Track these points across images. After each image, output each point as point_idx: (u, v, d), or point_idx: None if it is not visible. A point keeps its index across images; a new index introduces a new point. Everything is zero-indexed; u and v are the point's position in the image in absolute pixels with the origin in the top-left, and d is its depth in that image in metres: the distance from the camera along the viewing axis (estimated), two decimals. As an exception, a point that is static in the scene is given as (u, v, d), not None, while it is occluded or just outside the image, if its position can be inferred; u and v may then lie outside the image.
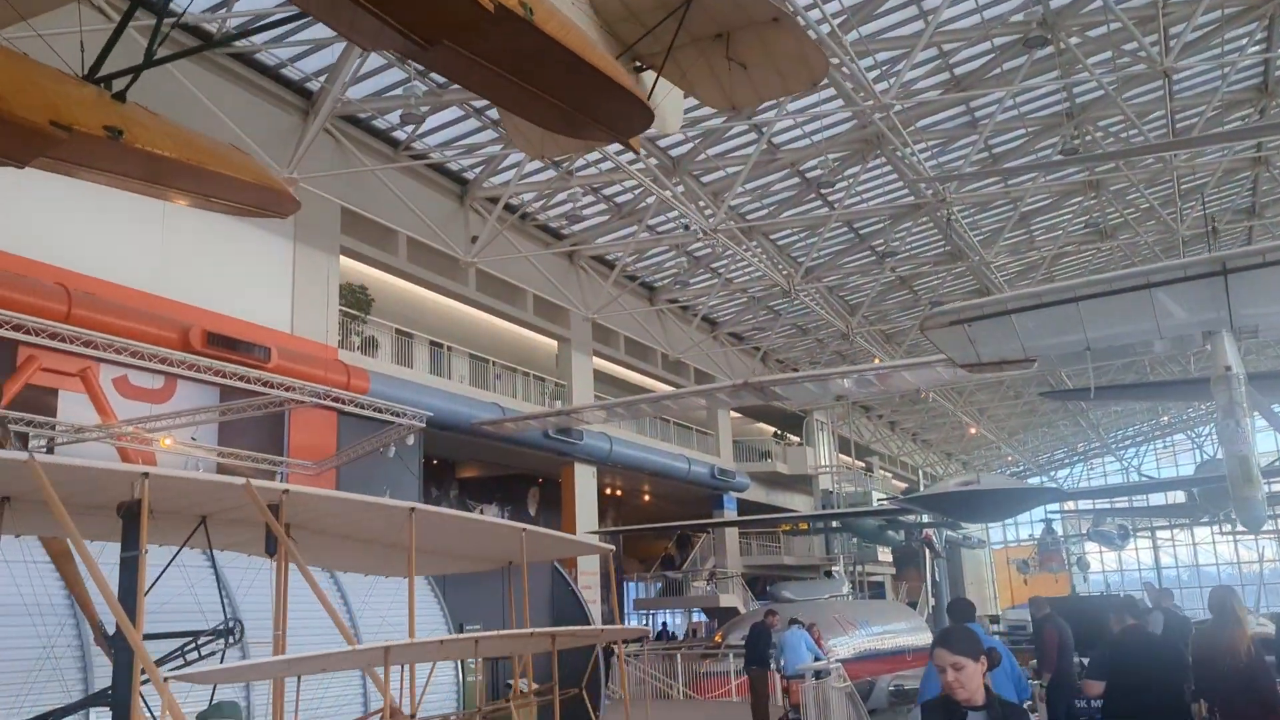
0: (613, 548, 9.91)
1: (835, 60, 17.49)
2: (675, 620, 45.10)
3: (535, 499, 33.23)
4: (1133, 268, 9.62)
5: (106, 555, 7.15)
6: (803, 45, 6.40)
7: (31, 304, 13.89)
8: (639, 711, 20.54)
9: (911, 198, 28.01)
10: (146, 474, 5.04)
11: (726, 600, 33.54)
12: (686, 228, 22.77)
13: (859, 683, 17.36)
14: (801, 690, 12.81)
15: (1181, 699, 6.68)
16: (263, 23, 16.17)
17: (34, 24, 6.05)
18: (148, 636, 6.38)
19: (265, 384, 15.74)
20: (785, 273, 28.57)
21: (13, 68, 4.97)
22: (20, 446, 8.10)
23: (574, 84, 5.39)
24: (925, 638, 27.53)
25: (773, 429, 42.71)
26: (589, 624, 17.01)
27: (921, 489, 34.14)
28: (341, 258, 21.51)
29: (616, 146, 23.26)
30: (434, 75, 18.52)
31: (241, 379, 15.07)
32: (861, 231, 31.34)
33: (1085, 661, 9.36)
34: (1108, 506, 54.00)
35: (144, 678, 5.12)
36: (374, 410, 15.60)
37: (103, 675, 7.69)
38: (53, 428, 13.90)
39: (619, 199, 27.35)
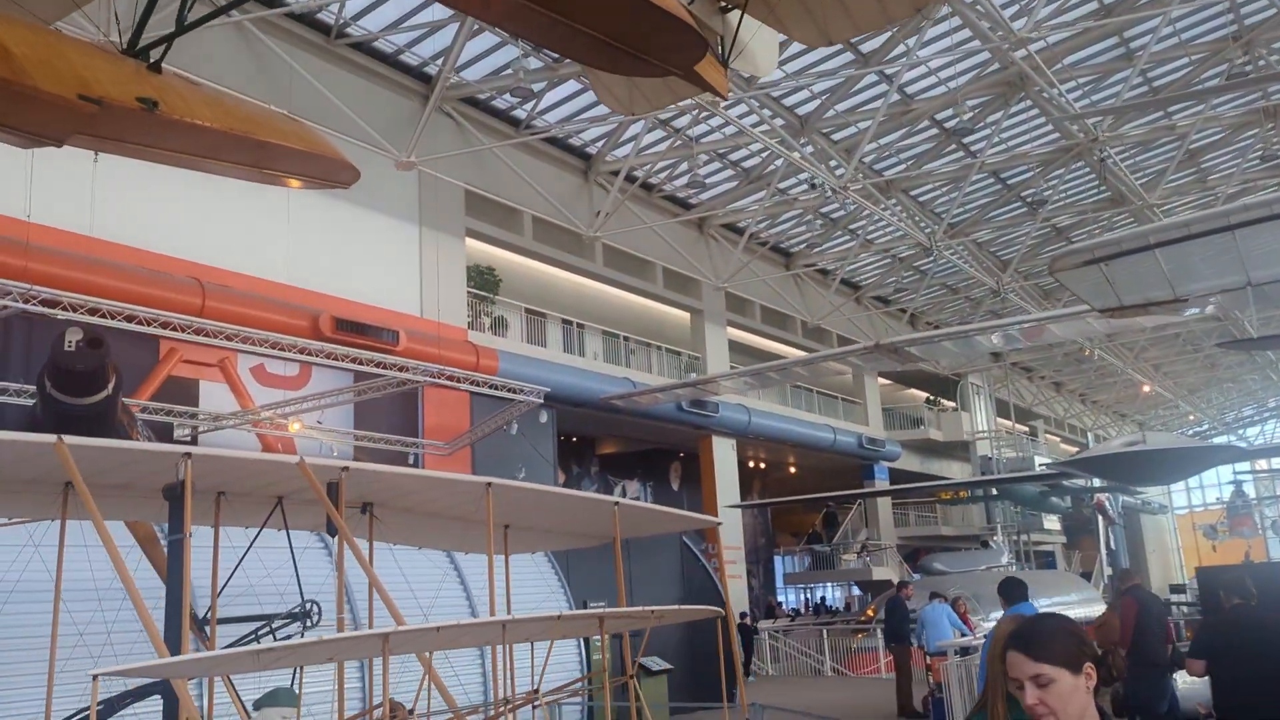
0: (720, 521, 9.44)
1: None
2: (835, 594, 44.19)
3: (677, 473, 32.96)
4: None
5: (198, 538, 7.14)
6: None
7: (168, 298, 14.42)
8: (783, 688, 20.04)
9: (1062, 141, 26.16)
10: (189, 454, 4.89)
11: (880, 573, 32.46)
12: (813, 185, 21.83)
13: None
14: (944, 668, 12.02)
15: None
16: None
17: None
18: (222, 620, 6.33)
19: (395, 367, 15.93)
20: (927, 230, 27.18)
21: (38, 41, 4.87)
22: (150, 437, 8.24)
23: (608, 12, 4.91)
24: (1099, 609, 25.86)
25: (925, 395, 41.07)
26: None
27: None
28: (468, 239, 21.66)
29: (740, 108, 22.63)
30: (546, 51, 18.33)
31: (370, 363, 15.25)
32: (1009, 181, 29.55)
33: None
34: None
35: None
36: (489, 388, 15.56)
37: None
38: (192, 416, 14.42)
39: (746, 164, 26.62)
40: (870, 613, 25.40)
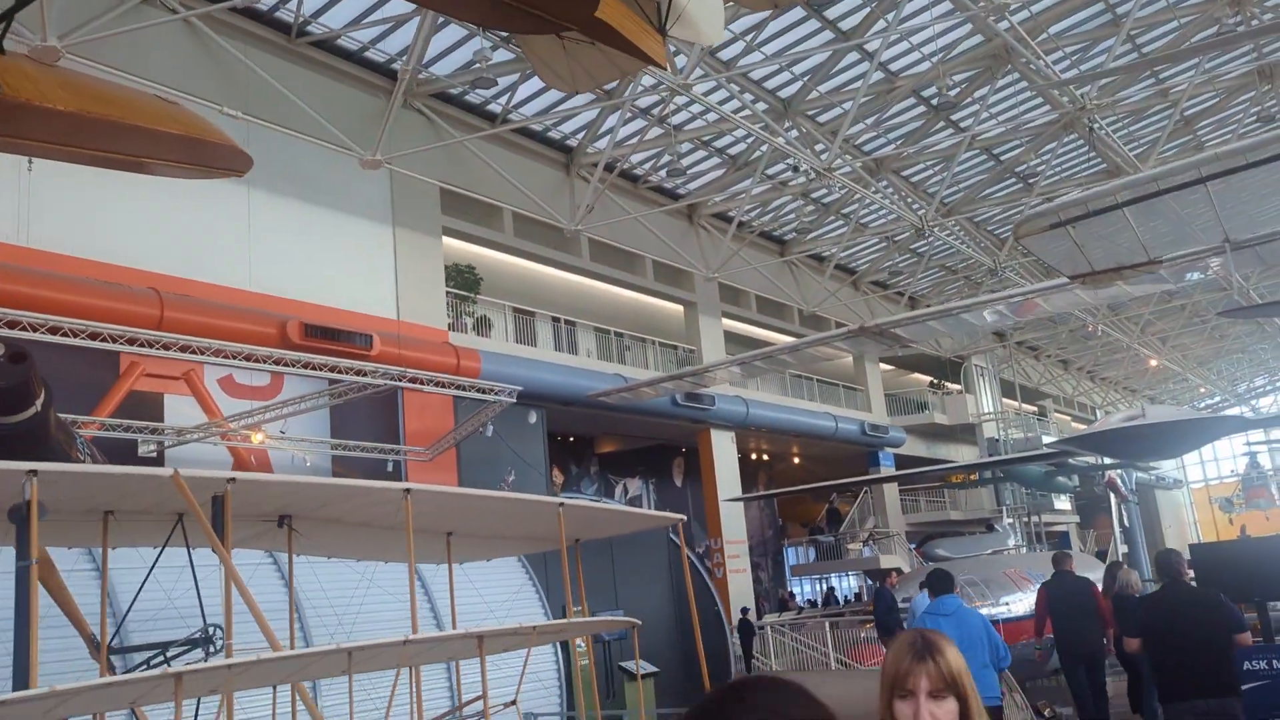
0: (682, 517, 8.94)
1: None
2: (847, 584, 43.57)
3: (680, 469, 32.46)
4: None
5: (120, 559, 6.68)
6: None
7: (123, 310, 13.98)
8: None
9: (1054, 115, 25.53)
10: (34, 471, 4.42)
11: (888, 561, 31.81)
12: (796, 169, 21.28)
13: (1044, 641, 15.79)
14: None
15: (1224, 654, 6.43)
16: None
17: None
18: (113, 650, 5.86)
19: (366, 373, 15.44)
20: (920, 210, 26.60)
21: None
22: (96, 456, 7.78)
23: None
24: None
25: (929, 379, 40.47)
26: (713, 597, 16.12)
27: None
28: (446, 239, 21.20)
29: (721, 93, 22.12)
30: (514, 44, 17.86)
31: (341, 370, 14.77)
32: (1002, 158, 28.94)
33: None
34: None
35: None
36: (456, 389, 15.09)
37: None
38: (153, 431, 13.98)
39: (732, 150, 26.07)
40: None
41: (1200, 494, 66.26)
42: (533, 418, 21.19)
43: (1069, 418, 52.89)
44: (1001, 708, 6.82)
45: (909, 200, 28.00)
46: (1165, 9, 22.65)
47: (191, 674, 4.28)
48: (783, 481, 37.12)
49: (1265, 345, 53.08)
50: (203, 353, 13.58)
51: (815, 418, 30.86)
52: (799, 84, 23.30)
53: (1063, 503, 41.94)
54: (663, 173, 25.67)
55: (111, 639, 6.03)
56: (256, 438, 14.43)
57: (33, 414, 6.04)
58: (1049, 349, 47.05)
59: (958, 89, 24.02)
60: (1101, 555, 39.61)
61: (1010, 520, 35.25)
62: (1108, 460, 28.25)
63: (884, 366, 39.01)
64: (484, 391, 15.26)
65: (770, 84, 23.29)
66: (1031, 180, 28.56)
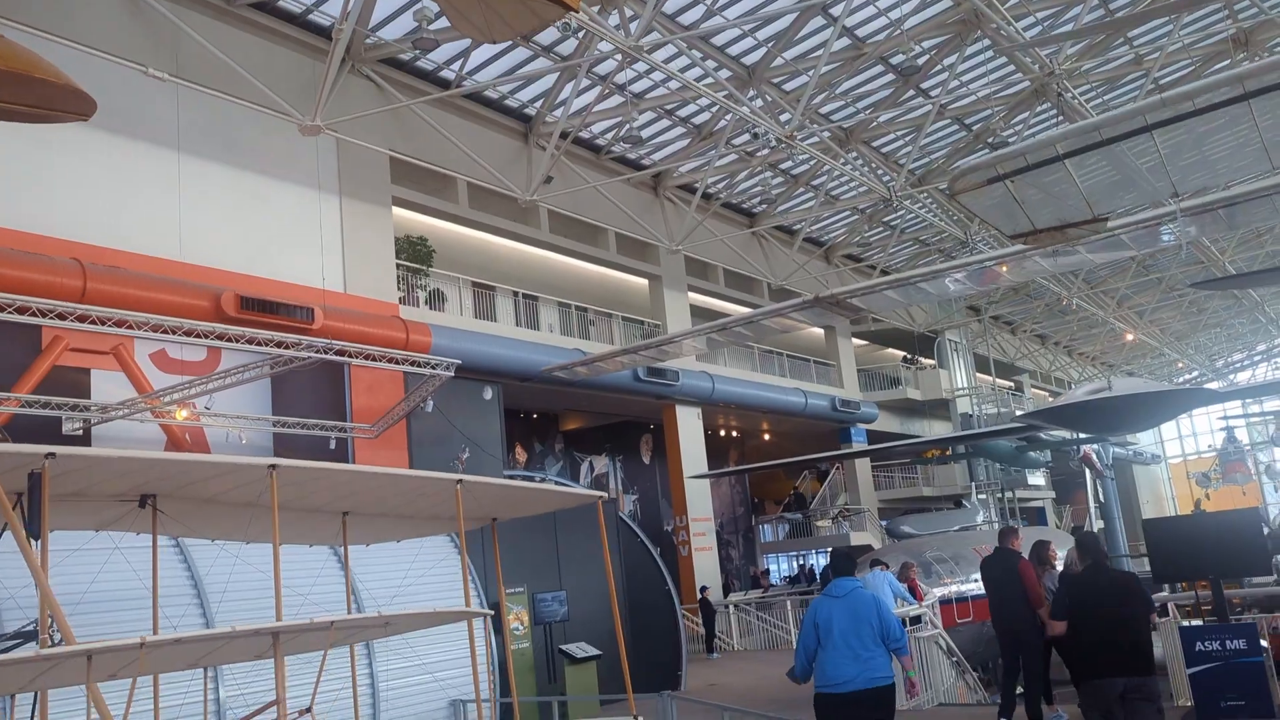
0: (605, 495, 8.45)
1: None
2: (823, 562, 43.28)
3: (649, 446, 32.01)
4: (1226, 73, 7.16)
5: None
6: None
7: (44, 282, 13.35)
8: (742, 663, 19.18)
9: (1028, 83, 25.00)
10: None
11: (859, 538, 31.60)
12: (755, 135, 20.67)
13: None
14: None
15: (1144, 634, 6.55)
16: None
17: None
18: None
19: (330, 351, 14.74)
20: (889, 180, 26.06)
21: None
22: (5, 437, 7.22)
23: None
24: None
25: (903, 354, 40.09)
26: (663, 576, 15.67)
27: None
28: (396, 209, 20.55)
29: (682, 60, 21.48)
30: None
31: (271, 344, 14.11)
32: (974, 127, 28.44)
33: None
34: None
35: None
36: (389, 361, 14.50)
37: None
38: (75, 408, 13.37)
39: (696, 119, 25.45)
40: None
41: (1178, 469, 66.33)
42: (488, 394, 20.65)
43: (1046, 393, 52.68)
44: (893, 687, 6.70)
45: (879, 171, 27.46)
46: (1137, -28, 22.14)
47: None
48: (754, 458, 36.75)
49: (1242, 320, 52.93)
50: (131, 326, 12.96)
51: (784, 393, 30.42)
52: (763, 50, 22.68)
53: (1038, 478, 41.74)
54: (624, 144, 25.06)
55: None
56: (181, 414, 13.82)
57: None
58: (1025, 324, 46.75)
59: (926, 55, 23.47)
60: (1077, 531, 39.45)
61: (982, 496, 34.98)
62: (1076, 435, 27.92)
63: (857, 342, 38.61)
64: (420, 365, 14.67)
65: (734, 50, 22.67)
66: (1000, 148, 28.03)
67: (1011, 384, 46.96)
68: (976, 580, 21.62)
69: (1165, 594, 13.22)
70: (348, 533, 7.45)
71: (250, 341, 13.30)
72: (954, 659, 12.05)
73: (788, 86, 24.10)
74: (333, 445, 16.29)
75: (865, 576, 12.84)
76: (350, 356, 13.67)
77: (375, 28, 18.99)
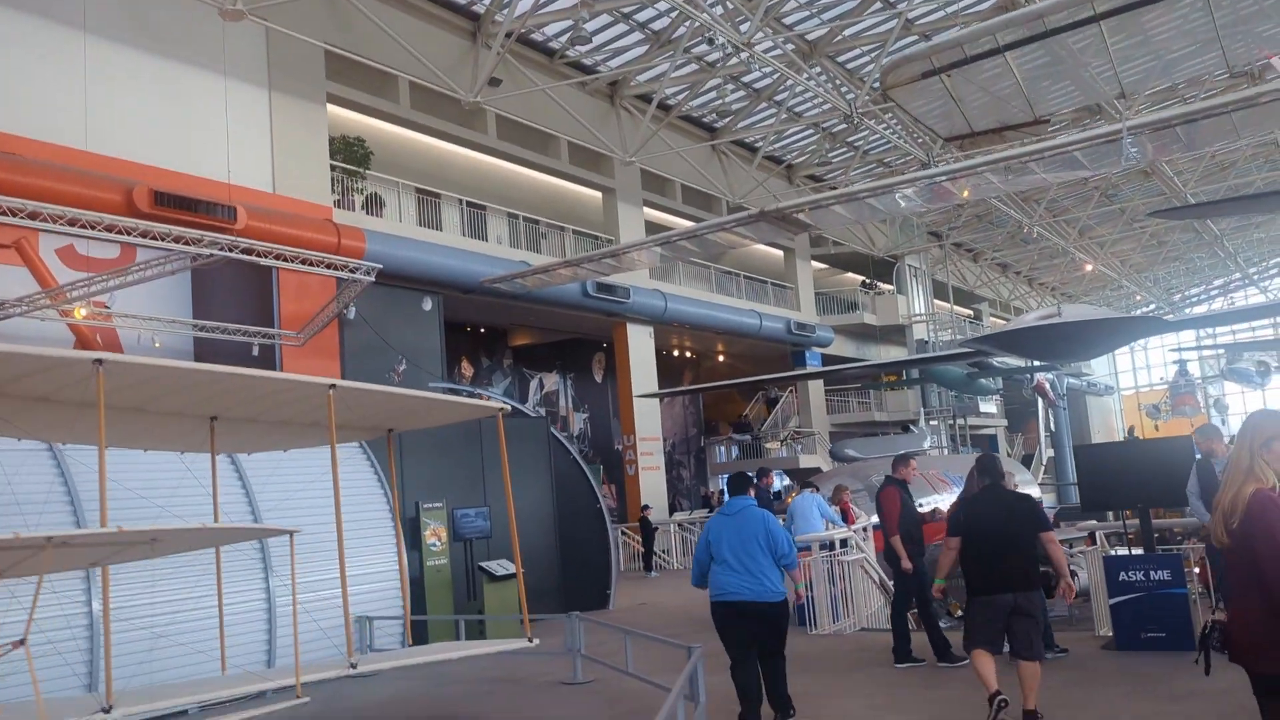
0: (505, 407, 7.90)
1: None
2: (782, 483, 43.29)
3: (601, 365, 31.50)
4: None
5: None
6: None
7: (-68, 168, 12.43)
8: (678, 583, 18.97)
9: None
10: None
11: (808, 461, 31.51)
12: (710, 42, 19.78)
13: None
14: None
15: (1031, 552, 6.67)
16: None
17: None
18: None
19: (235, 249, 13.98)
20: (850, 96, 25.25)
21: None
22: None
23: None
24: (1036, 494, 24.97)
25: (861, 279, 39.66)
26: (595, 495, 15.28)
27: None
28: (332, 107, 19.54)
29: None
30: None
31: (185, 241, 13.30)
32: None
33: None
34: (1247, 341, 49.12)
35: None
36: (300, 262, 13.75)
37: None
38: (-35, 304, 12.55)
39: (655, 25, 24.39)
40: (789, 500, 24.36)
41: (1130, 400, 67.09)
42: (428, 305, 19.99)
43: (1005, 322, 52.66)
44: (784, 604, 6.87)
45: (842, 88, 26.61)
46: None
47: None
48: (709, 379, 36.40)
49: (1202, 254, 52.96)
50: (45, 219, 12.10)
51: (738, 314, 29.94)
52: (725, -49, 21.61)
53: (990, 406, 41.88)
54: (583, 47, 23.99)
55: None
56: (80, 312, 13.05)
57: None
58: (987, 251, 46.41)
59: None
60: (1027, 460, 39.67)
61: (934, 422, 34.96)
62: (1026, 362, 27.72)
63: (816, 265, 38.11)
64: (339, 268, 13.94)
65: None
66: (970, 70, 27.24)
67: (970, 312, 46.81)
68: (921, 504, 21.60)
69: (1094, 523, 13.03)
70: (222, 440, 6.88)
71: (171, 240, 12.49)
72: (880, 584, 11.83)
73: (751, -6, 23.08)
74: (255, 352, 15.60)
75: (795, 498, 12.53)
76: (260, 256, 12.90)
77: (308, -91, 17.79)
